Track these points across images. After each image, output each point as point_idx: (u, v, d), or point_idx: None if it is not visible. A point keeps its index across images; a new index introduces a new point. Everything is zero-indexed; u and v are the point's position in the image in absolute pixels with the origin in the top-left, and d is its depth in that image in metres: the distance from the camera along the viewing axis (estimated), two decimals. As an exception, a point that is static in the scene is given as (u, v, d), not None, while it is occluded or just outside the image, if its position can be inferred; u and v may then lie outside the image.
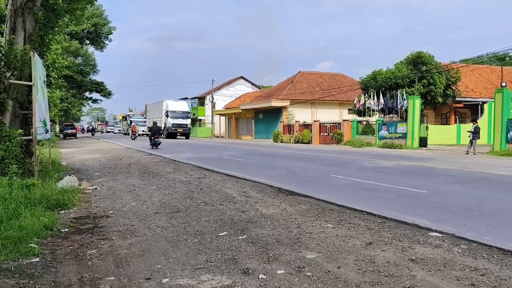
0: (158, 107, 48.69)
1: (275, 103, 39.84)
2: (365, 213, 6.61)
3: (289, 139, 35.68)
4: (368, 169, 13.44)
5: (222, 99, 60.04)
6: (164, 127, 44.81)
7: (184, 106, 47.97)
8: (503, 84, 24.41)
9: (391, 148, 25.55)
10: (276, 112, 41.24)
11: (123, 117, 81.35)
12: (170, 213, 6.73)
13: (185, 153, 20.09)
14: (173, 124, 44.55)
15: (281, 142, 36.29)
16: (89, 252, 4.75)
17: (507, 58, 48.17)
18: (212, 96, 58.30)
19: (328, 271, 4.04)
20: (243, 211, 6.82)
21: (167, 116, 45.03)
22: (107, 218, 6.49)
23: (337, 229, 5.65)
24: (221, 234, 5.41)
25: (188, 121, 46.55)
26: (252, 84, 65.81)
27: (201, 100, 62.90)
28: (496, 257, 4.44)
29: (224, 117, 55.16)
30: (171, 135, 45.00)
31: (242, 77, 65.56)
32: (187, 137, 46.67)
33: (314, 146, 30.96)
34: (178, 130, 45.27)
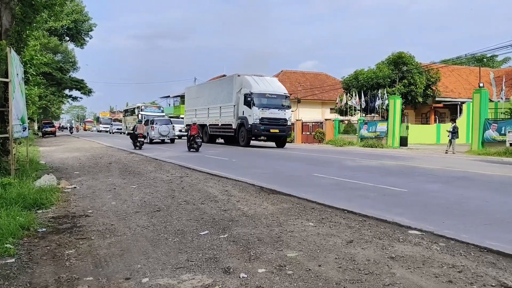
0: (224, 88, 27.12)
1: (258, 102, 39.69)
2: (346, 211, 6.65)
3: (272, 138, 35.70)
4: (350, 168, 13.55)
5: (205, 98, 58.97)
6: (242, 125, 24.76)
7: (279, 86, 25.74)
8: (481, 84, 24.98)
9: (372, 147, 25.84)
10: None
11: (125, 111, 56.23)
12: (151, 212, 6.65)
13: (166, 152, 19.92)
14: (263, 118, 23.53)
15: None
16: (67, 252, 4.65)
17: (484, 60, 49.27)
18: (195, 94, 57.30)
19: (309, 270, 4.05)
20: (224, 210, 6.79)
21: (249, 104, 23.73)
22: (86, 217, 6.37)
23: (318, 228, 5.67)
24: (202, 233, 5.37)
25: (287, 114, 24.51)
26: (235, 82, 65.40)
27: (183, 99, 62.27)
28: (473, 254, 4.52)
29: (206, 115, 54.59)
30: (256, 137, 24.86)
31: (224, 76, 65.26)
32: (283, 144, 25.57)
33: (297, 145, 31.09)
34: (271, 130, 23.90)
